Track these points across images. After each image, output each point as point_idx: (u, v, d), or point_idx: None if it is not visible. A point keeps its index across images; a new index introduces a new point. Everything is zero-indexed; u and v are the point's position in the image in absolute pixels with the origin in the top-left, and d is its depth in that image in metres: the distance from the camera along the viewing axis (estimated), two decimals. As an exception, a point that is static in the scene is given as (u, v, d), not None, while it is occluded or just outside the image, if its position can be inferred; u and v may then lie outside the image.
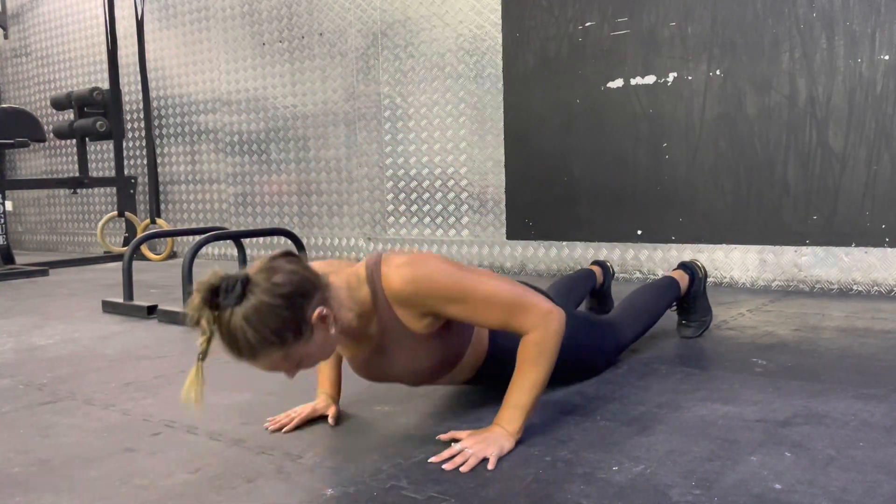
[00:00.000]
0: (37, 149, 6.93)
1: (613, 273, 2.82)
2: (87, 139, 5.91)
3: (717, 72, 3.53)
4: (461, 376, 1.74)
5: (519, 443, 1.56)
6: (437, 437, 1.58)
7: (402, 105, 4.60)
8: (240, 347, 1.33)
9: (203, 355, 1.31)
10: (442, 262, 1.54)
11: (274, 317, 1.32)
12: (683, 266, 2.50)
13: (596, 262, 2.78)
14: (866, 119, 3.22)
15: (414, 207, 4.62)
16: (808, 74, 3.32)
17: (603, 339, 2.09)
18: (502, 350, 1.71)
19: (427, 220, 4.57)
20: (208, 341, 1.31)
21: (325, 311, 1.40)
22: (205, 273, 1.34)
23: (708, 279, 2.62)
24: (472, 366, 1.72)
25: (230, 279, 1.32)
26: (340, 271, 1.55)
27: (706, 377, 2.05)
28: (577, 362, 1.98)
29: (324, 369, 1.82)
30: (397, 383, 1.74)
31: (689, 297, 2.50)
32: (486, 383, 1.82)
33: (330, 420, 1.74)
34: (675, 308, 2.55)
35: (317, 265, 1.59)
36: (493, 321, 1.55)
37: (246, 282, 1.33)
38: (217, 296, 1.31)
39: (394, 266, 1.51)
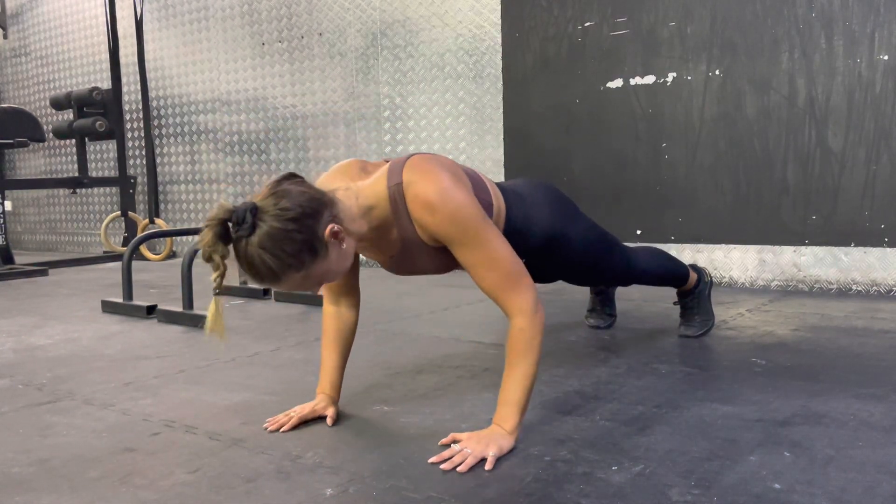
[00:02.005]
0: (36, 149, 6.92)
1: None
2: (86, 139, 5.91)
3: (717, 72, 3.53)
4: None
5: (518, 443, 1.56)
6: (439, 444, 1.57)
7: (401, 105, 4.60)
8: (261, 274, 1.36)
9: (218, 290, 1.34)
10: (469, 197, 1.54)
11: (288, 241, 1.35)
12: (693, 266, 2.54)
13: None
14: (865, 119, 3.22)
15: (413, 207, 4.61)
16: (808, 74, 3.33)
17: (613, 247, 2.17)
18: (518, 231, 1.82)
19: (427, 219, 4.56)
20: (222, 276, 1.34)
21: (335, 227, 1.42)
22: (212, 207, 1.36)
23: (713, 286, 2.65)
24: None
25: (239, 210, 1.35)
26: (350, 186, 1.55)
27: (706, 377, 2.05)
28: (586, 259, 2.08)
29: (325, 369, 1.82)
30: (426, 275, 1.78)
31: (694, 296, 2.51)
32: None
33: (328, 420, 1.75)
34: (676, 303, 2.57)
35: (324, 179, 1.62)
36: (485, 283, 1.56)
37: (255, 211, 1.35)
38: (228, 229, 1.34)
39: (421, 189, 1.50)
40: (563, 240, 2.01)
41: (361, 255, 1.72)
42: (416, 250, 1.61)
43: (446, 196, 1.51)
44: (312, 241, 1.39)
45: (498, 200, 1.80)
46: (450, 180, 1.54)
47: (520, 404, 1.56)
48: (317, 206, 1.41)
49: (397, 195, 1.53)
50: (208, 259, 1.34)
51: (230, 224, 1.35)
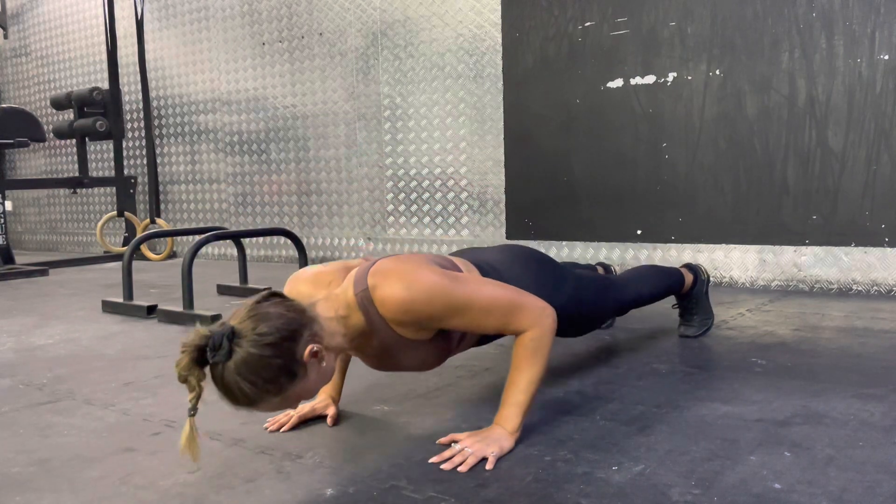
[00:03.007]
0: (37, 149, 6.93)
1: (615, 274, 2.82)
2: (86, 139, 5.91)
3: (717, 72, 3.53)
4: (469, 345, 1.76)
5: (518, 443, 1.56)
6: (437, 442, 1.58)
7: (401, 105, 4.60)
8: (237, 400, 1.33)
9: (193, 411, 1.30)
10: (434, 274, 1.51)
11: (265, 367, 1.31)
12: (688, 266, 2.53)
13: (600, 265, 2.78)
14: (866, 119, 3.22)
15: (414, 207, 4.62)
16: (808, 74, 3.32)
17: (605, 294, 2.13)
18: None
19: (427, 219, 4.57)
20: (197, 398, 1.30)
21: (315, 347, 1.38)
22: (188, 333, 1.32)
23: (710, 283, 2.64)
24: (473, 336, 1.74)
25: (216, 336, 1.30)
26: (329, 297, 1.53)
27: (706, 377, 2.05)
28: (580, 315, 2.02)
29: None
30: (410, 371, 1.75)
31: (692, 296, 2.51)
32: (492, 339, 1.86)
33: (328, 420, 1.75)
34: (675, 306, 2.56)
35: (305, 289, 1.59)
36: (490, 327, 1.56)
37: (231, 336, 1.31)
38: (205, 354, 1.30)
39: (388, 291, 1.48)
40: (554, 303, 1.92)
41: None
42: (397, 350, 1.58)
43: (413, 286, 1.48)
44: (290, 365, 1.34)
45: None
46: (410, 269, 1.52)
47: (524, 406, 1.57)
48: (296, 328, 1.37)
49: (366, 301, 1.50)
50: (184, 381, 1.30)
51: (207, 349, 1.31)
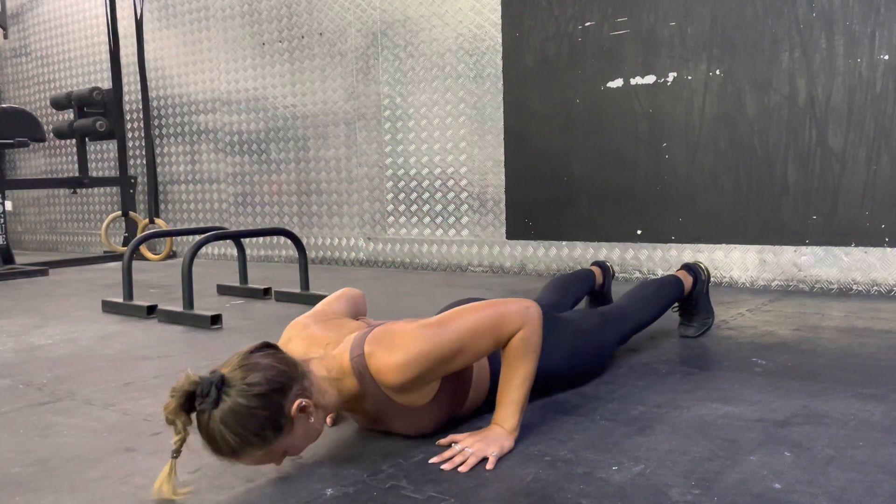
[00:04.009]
0: (37, 149, 6.92)
1: (614, 274, 2.82)
2: (86, 139, 5.91)
3: (717, 71, 3.53)
4: (469, 411, 1.73)
5: (518, 442, 1.56)
6: (437, 443, 1.57)
7: (402, 105, 4.60)
8: (220, 449, 1.32)
9: (177, 454, 1.30)
10: (421, 328, 1.50)
11: (251, 418, 1.30)
12: (687, 267, 2.50)
13: (596, 263, 2.78)
14: (866, 119, 3.22)
15: (414, 207, 4.62)
16: (808, 74, 3.32)
17: (604, 339, 2.07)
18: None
19: (427, 219, 4.57)
20: (182, 441, 1.30)
21: (304, 402, 1.37)
22: (179, 378, 1.32)
23: (710, 281, 2.62)
24: (477, 401, 1.72)
25: (205, 383, 1.30)
26: (324, 356, 1.52)
27: (706, 377, 2.05)
28: (581, 372, 2.00)
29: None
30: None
31: (692, 297, 2.50)
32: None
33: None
34: (676, 308, 2.55)
35: (298, 341, 1.59)
36: (487, 348, 1.55)
37: (220, 384, 1.30)
38: (193, 400, 1.30)
39: (383, 359, 1.46)
40: (556, 369, 1.89)
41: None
42: (391, 416, 1.57)
43: (408, 347, 1.46)
44: (277, 418, 1.33)
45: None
46: (403, 332, 1.50)
47: (520, 404, 1.57)
48: (286, 381, 1.36)
49: (360, 367, 1.49)
50: (171, 424, 1.30)
51: (196, 395, 1.30)
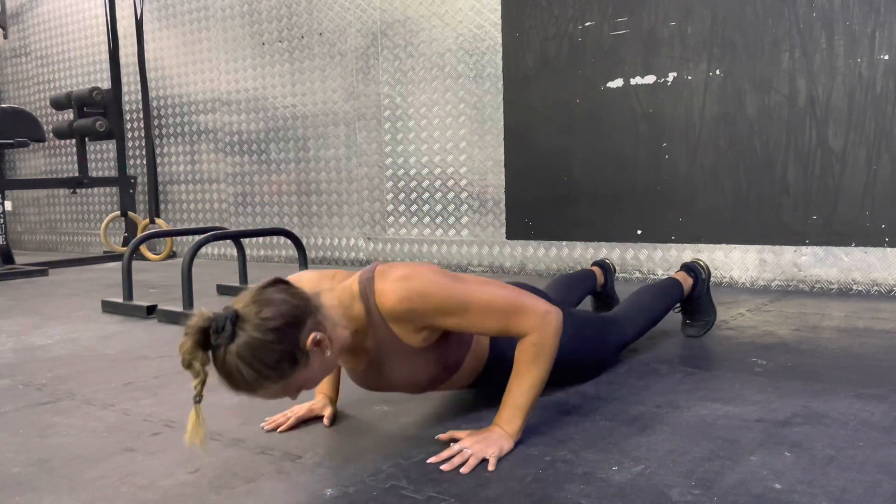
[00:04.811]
0: (36, 149, 6.93)
1: (615, 270, 2.81)
2: (86, 139, 5.91)
3: (717, 71, 3.53)
4: (461, 382, 1.73)
5: (519, 443, 1.56)
6: (436, 438, 1.58)
7: (402, 105, 4.60)
8: (238, 384, 1.32)
9: (199, 398, 1.30)
10: (436, 273, 1.51)
11: (268, 351, 1.31)
12: (687, 268, 2.49)
13: (596, 263, 2.77)
14: (866, 119, 3.22)
15: (414, 207, 4.62)
16: (808, 74, 3.32)
17: (605, 336, 2.08)
18: (503, 356, 1.70)
19: (427, 219, 4.57)
20: (202, 384, 1.30)
21: (318, 335, 1.38)
22: (192, 315, 1.32)
23: (710, 278, 2.62)
24: (471, 372, 1.72)
25: (219, 318, 1.31)
26: (334, 288, 1.53)
27: (706, 377, 2.05)
28: (581, 363, 1.98)
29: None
30: (396, 392, 1.73)
31: (693, 297, 2.50)
32: (487, 388, 1.82)
33: (325, 421, 1.74)
34: (678, 309, 2.55)
35: (309, 281, 1.58)
36: (491, 329, 1.54)
37: (235, 319, 1.31)
38: (208, 337, 1.30)
39: (388, 282, 1.49)
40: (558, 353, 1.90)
41: None
42: (388, 356, 1.56)
43: (412, 279, 1.48)
44: (293, 352, 1.34)
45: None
46: (413, 266, 1.52)
47: (525, 409, 1.56)
48: (300, 315, 1.37)
49: (367, 290, 1.50)
50: (188, 366, 1.30)
51: (210, 331, 1.31)
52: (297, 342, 1.35)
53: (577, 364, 1.95)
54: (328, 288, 1.53)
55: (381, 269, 1.53)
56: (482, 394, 1.93)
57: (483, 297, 1.52)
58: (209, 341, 1.30)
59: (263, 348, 1.31)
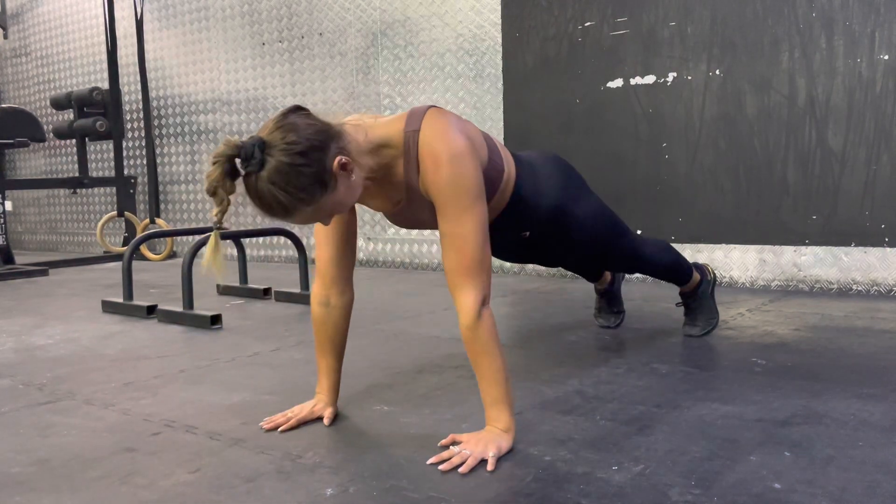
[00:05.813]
0: (37, 149, 6.93)
1: (624, 275, 2.81)
2: (86, 139, 5.91)
3: (717, 72, 3.53)
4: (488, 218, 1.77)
5: (518, 443, 1.56)
6: (439, 444, 1.57)
7: (402, 105, 4.60)
8: (273, 209, 1.37)
9: (219, 224, 1.35)
10: (474, 169, 1.52)
11: (297, 175, 1.35)
12: (695, 265, 2.54)
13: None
14: (866, 119, 3.22)
15: (414, 207, 4.61)
16: (808, 74, 3.32)
17: (625, 230, 2.21)
18: (524, 200, 1.86)
19: (427, 219, 4.56)
20: (223, 212, 1.34)
21: (343, 159, 1.41)
22: (217, 145, 1.35)
23: (716, 283, 2.64)
24: (494, 210, 1.81)
25: (247, 146, 1.34)
26: (360, 122, 1.55)
27: (706, 377, 2.05)
28: (602, 234, 2.12)
29: (322, 372, 1.81)
30: (429, 230, 1.81)
31: (697, 295, 2.51)
32: (505, 229, 1.94)
33: (325, 421, 1.74)
34: (679, 304, 2.57)
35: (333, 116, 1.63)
36: (445, 260, 1.54)
37: (263, 146, 1.34)
38: (235, 165, 1.33)
39: (432, 150, 1.50)
40: (571, 216, 2.02)
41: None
42: (418, 201, 1.60)
43: (455, 161, 1.49)
44: (322, 175, 1.38)
45: (509, 167, 1.81)
46: (465, 147, 1.52)
47: (504, 399, 1.55)
48: (324, 139, 1.40)
49: (412, 141, 1.53)
50: (213, 193, 1.33)
51: (238, 160, 1.34)
52: (325, 165, 1.38)
53: (592, 237, 2.09)
54: (352, 121, 1.55)
55: (430, 125, 1.53)
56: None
57: (471, 234, 1.51)
58: (236, 170, 1.33)
59: (293, 172, 1.34)
